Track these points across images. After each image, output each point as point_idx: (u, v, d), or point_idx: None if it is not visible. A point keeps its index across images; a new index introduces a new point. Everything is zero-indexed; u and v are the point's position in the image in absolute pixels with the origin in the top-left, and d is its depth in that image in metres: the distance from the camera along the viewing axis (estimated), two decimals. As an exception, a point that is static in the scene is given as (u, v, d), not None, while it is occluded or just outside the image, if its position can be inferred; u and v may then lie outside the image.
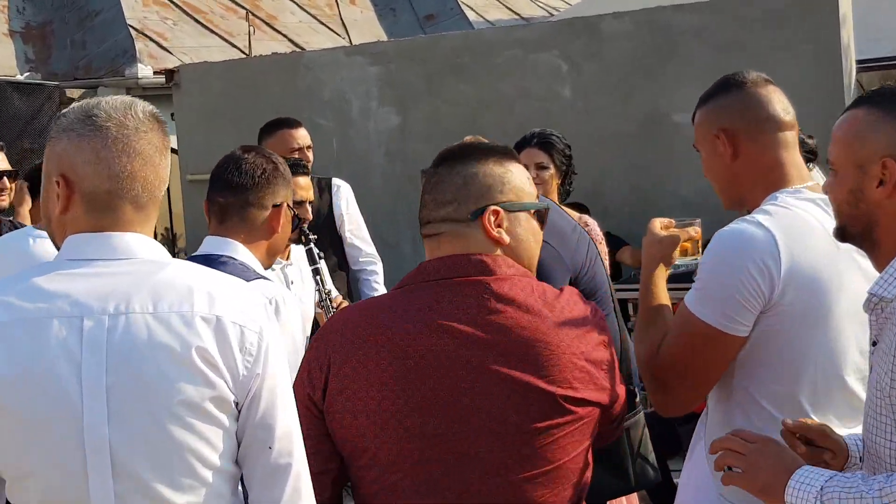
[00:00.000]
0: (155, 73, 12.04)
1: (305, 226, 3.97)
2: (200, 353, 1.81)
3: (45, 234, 3.90)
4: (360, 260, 5.42)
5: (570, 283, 3.39)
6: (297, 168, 3.94)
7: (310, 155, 5.30)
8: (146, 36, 12.81)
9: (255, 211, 2.96)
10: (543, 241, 2.46)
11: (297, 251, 4.10)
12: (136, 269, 1.86)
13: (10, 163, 5.20)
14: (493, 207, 2.15)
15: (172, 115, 9.91)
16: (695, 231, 2.65)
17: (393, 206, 7.75)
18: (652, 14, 7.16)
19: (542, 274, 3.13)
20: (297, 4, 15.54)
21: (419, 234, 2.25)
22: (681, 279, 6.18)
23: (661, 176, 7.14)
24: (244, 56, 12.54)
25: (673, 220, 2.64)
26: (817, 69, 6.68)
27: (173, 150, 9.14)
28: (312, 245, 4.09)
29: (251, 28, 11.48)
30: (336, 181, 5.46)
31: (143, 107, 1.93)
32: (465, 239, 2.14)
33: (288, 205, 3.03)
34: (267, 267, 3.10)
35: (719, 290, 2.28)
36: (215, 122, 8.36)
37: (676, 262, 2.61)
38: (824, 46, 6.69)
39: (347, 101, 7.92)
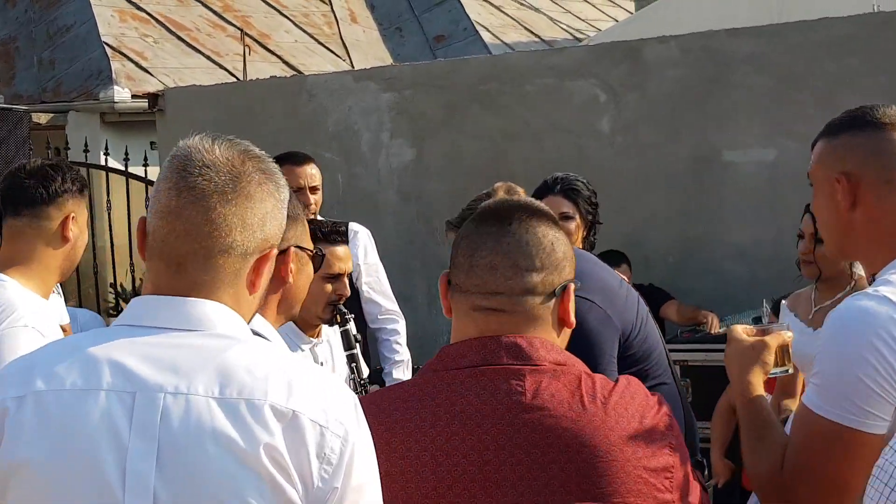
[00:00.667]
0: (133, 96, 12.11)
1: (342, 302, 3.87)
2: (269, 453, 1.71)
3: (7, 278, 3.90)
4: (380, 317, 5.42)
5: (621, 346, 3.37)
6: (334, 236, 3.86)
7: (316, 197, 5.31)
8: (123, 55, 12.91)
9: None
10: (586, 299, 2.45)
11: (330, 330, 4.05)
12: (206, 343, 1.80)
13: None
14: (571, 283, 2.12)
15: (153, 143, 9.97)
16: (788, 336, 2.55)
17: (406, 252, 7.75)
18: (703, 39, 7.17)
19: (589, 341, 3.11)
20: (293, 22, 15.66)
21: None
22: (708, 340, 6.21)
23: (711, 222, 7.13)
24: (236, 79, 12.60)
25: (753, 327, 2.56)
26: (887, 101, 6.65)
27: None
28: (350, 326, 4.03)
29: (245, 48, 11.51)
30: (353, 226, 5.46)
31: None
32: (539, 319, 2.10)
33: (299, 246, 2.83)
34: (288, 319, 3.00)
35: (843, 379, 2.15)
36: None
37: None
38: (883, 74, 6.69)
39: (356, 133, 7.93)
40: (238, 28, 14.90)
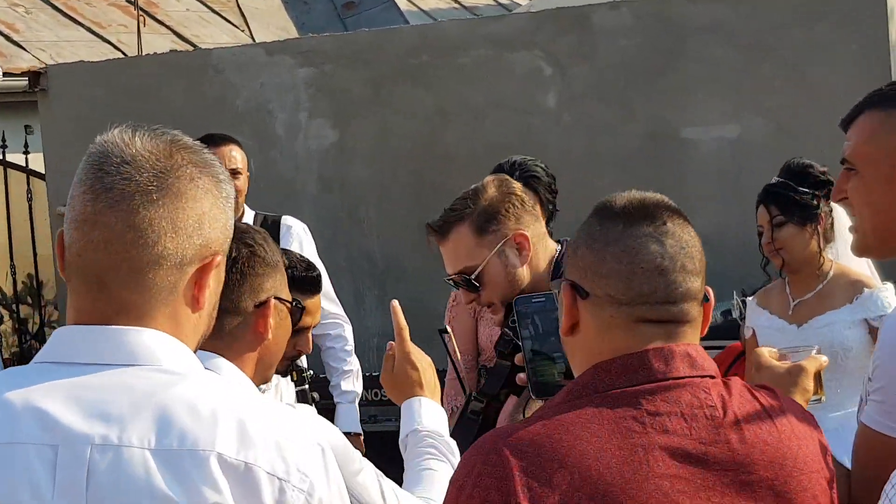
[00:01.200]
0: (5, 74, 11.78)
1: (302, 359, 3.70)
2: None
3: None
4: (322, 322, 5.29)
5: None
6: (307, 286, 3.41)
7: (239, 183, 5.19)
8: (-9, 25, 12.56)
9: (230, 318, 2.56)
10: None
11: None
12: (141, 381, 1.64)
13: None
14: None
15: (27, 127, 9.69)
16: (824, 360, 2.44)
17: (329, 247, 7.59)
18: (658, 5, 7.13)
19: None
20: (182, -11, 15.38)
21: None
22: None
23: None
24: (123, 55, 12.33)
25: (775, 350, 2.48)
26: (860, 71, 6.67)
27: (39, 175, 8.95)
28: (307, 386, 3.86)
29: (141, 18, 11.26)
30: (287, 220, 5.35)
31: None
32: (696, 326, 1.98)
33: (278, 298, 2.65)
34: (262, 383, 2.80)
35: None
36: (94, 137, 8.14)
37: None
38: (869, 44, 6.70)
39: (269, 113, 7.77)
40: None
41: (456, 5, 17.09)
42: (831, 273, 4.55)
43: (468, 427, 3.29)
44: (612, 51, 7.16)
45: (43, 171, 8.72)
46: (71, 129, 8.22)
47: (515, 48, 7.35)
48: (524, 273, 3.23)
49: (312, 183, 7.81)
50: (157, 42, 13.45)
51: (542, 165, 4.77)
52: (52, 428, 1.60)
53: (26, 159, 8.94)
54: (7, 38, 12.47)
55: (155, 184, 1.67)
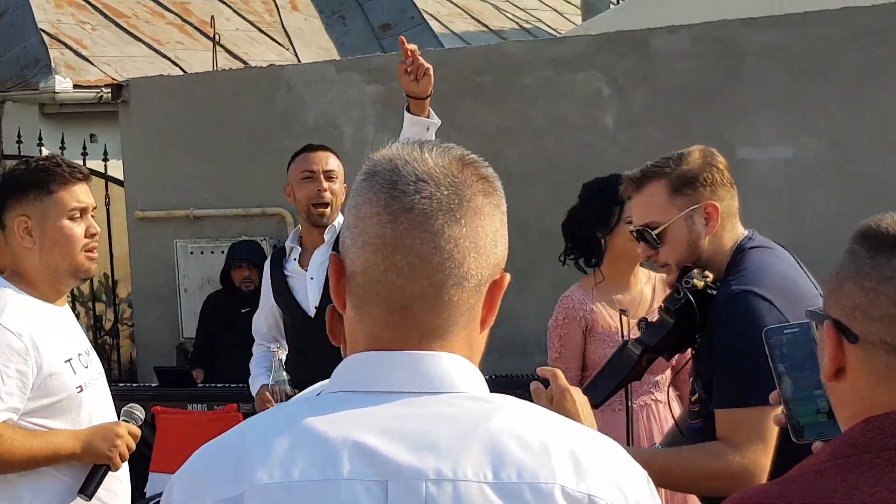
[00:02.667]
0: (75, 86, 11.41)
1: None
2: None
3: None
4: None
5: None
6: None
7: (335, 187, 4.76)
8: (62, 42, 12.17)
9: None
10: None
11: None
12: (458, 410, 1.41)
13: None
14: None
15: (92, 135, 9.32)
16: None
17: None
18: (715, 29, 6.78)
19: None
20: (233, 9, 15.06)
21: None
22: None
23: (724, 223, 6.73)
24: (182, 70, 11.98)
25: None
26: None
27: (117, 181, 8.59)
28: None
29: (216, 35, 10.90)
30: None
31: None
32: None
33: None
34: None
35: None
36: (172, 148, 7.80)
37: None
38: (924, 73, 6.35)
39: (338, 128, 7.41)
40: (177, 15, 14.28)
41: (484, 29, 16.79)
42: None
43: (623, 364, 3.07)
44: (669, 73, 6.82)
45: (120, 178, 8.38)
46: (148, 140, 7.90)
47: (575, 70, 7.02)
48: (706, 244, 2.97)
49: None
50: (208, 57, 13.10)
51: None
52: (378, 462, 1.36)
53: (105, 166, 8.53)
54: (76, 53, 12.10)
55: (455, 201, 1.44)
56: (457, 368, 1.44)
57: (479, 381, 1.46)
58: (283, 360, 4.59)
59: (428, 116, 4.25)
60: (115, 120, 10.80)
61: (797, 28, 6.58)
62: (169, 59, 12.85)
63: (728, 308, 2.85)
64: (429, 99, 4.24)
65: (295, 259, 4.78)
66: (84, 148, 8.25)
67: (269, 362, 4.79)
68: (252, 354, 5.85)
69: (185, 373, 6.79)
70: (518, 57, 7.22)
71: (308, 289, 4.67)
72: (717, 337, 2.85)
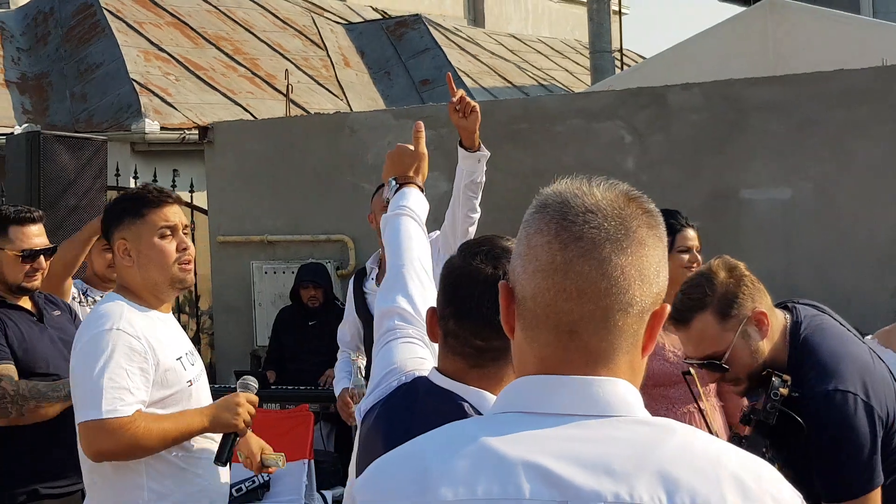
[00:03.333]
0: (162, 128, 11.50)
1: None
2: None
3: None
4: None
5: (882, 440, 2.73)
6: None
7: None
8: (150, 91, 12.27)
9: None
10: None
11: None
12: (630, 435, 1.31)
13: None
14: None
15: (175, 171, 9.36)
16: None
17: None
18: (723, 87, 6.79)
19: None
20: (295, 65, 15.13)
21: None
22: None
23: (728, 254, 6.69)
24: (253, 117, 12.04)
25: None
26: (893, 147, 6.33)
27: (201, 210, 8.63)
28: None
29: (289, 86, 10.95)
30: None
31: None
32: None
33: None
34: None
35: None
36: (250, 182, 7.84)
37: None
38: (904, 127, 6.34)
39: (395, 166, 7.41)
40: (248, 69, 14.36)
41: (509, 85, 16.82)
42: None
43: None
44: (683, 124, 6.83)
45: (203, 206, 8.42)
46: (229, 174, 7.93)
47: (601, 119, 7.02)
48: (765, 346, 2.79)
49: (429, 223, 7.37)
50: (277, 106, 13.17)
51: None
52: (557, 485, 1.26)
53: (191, 197, 8.57)
54: (162, 99, 12.19)
55: (622, 232, 1.35)
56: (623, 393, 1.35)
57: (642, 406, 1.37)
58: (363, 367, 4.60)
59: (479, 149, 4.28)
60: (195, 157, 10.88)
61: (793, 86, 6.58)
62: (241, 105, 12.93)
63: (822, 411, 2.67)
64: (477, 133, 4.25)
65: (373, 279, 4.80)
66: (173, 180, 8.30)
67: (349, 368, 4.82)
68: (320, 361, 5.85)
69: (261, 375, 6.81)
70: (552, 108, 7.25)
71: None
72: (816, 437, 2.68)
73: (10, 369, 3.75)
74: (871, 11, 14.78)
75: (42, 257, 4.02)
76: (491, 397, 1.98)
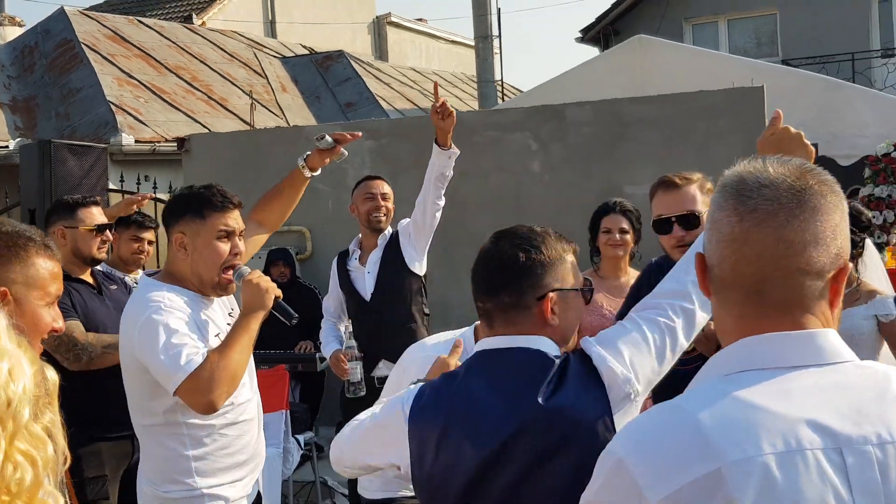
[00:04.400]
0: (136, 141, 11.04)
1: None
2: None
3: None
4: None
5: None
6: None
7: (388, 205, 4.63)
8: (124, 110, 11.79)
9: None
10: None
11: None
12: (859, 379, 1.18)
13: None
14: None
15: (146, 176, 8.99)
16: None
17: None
18: (609, 105, 6.78)
19: None
20: (242, 90, 14.71)
21: None
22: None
23: (615, 238, 6.70)
24: (210, 130, 11.64)
25: None
26: (745, 153, 6.38)
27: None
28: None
29: (252, 104, 10.62)
30: (400, 224, 4.75)
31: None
32: None
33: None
34: None
35: None
36: (222, 184, 7.49)
37: None
38: (752, 136, 6.39)
39: (343, 170, 7.20)
40: (203, 93, 13.91)
41: (415, 107, 16.67)
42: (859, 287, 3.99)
43: None
44: (578, 134, 6.79)
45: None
46: (204, 177, 7.58)
47: (512, 131, 6.94)
48: None
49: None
50: (230, 124, 12.80)
51: (630, 204, 4.33)
52: (829, 434, 1.13)
53: (168, 196, 8.19)
54: (135, 118, 11.74)
55: (794, 201, 1.24)
56: (836, 341, 1.23)
57: (850, 350, 1.24)
58: (350, 329, 4.42)
59: (451, 148, 4.18)
60: (164, 165, 10.47)
61: (664, 104, 6.60)
62: (200, 123, 12.52)
63: None
64: (451, 134, 4.15)
65: (356, 259, 4.63)
66: (154, 184, 7.92)
67: (337, 333, 4.63)
68: (289, 328, 5.59)
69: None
70: (472, 122, 7.11)
71: (365, 281, 4.53)
72: None
73: (78, 324, 3.51)
74: (728, 47, 15.02)
75: (108, 231, 3.92)
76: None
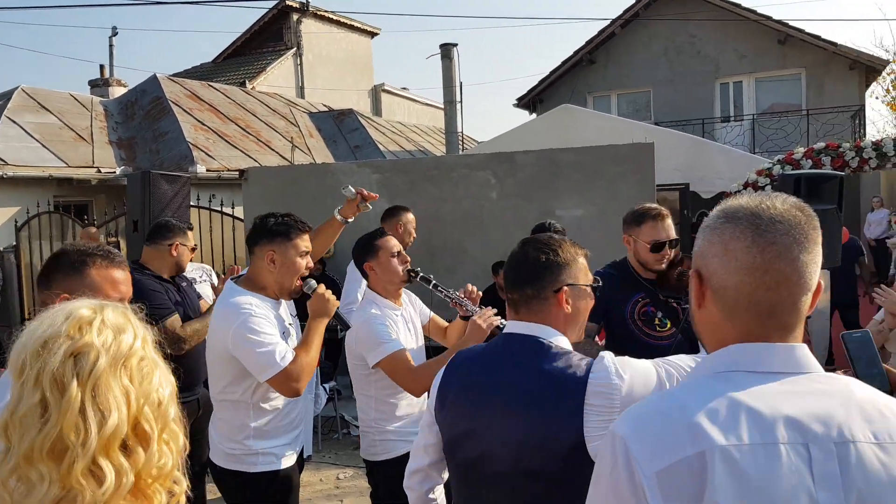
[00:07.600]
0: (207, 170, 10.68)
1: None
2: None
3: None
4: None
5: None
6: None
7: (413, 229, 4.43)
8: (199, 148, 11.41)
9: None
10: None
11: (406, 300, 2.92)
12: (826, 386, 1.02)
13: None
14: None
15: (213, 196, 8.68)
16: None
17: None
18: (547, 153, 6.63)
19: None
20: (281, 135, 14.36)
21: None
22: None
23: (549, 246, 6.54)
24: (260, 165, 11.29)
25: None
26: (640, 189, 6.28)
27: (239, 219, 7.97)
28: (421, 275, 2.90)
29: (293, 147, 10.28)
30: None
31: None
32: None
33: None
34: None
35: None
36: (271, 205, 7.19)
37: None
38: (645, 177, 6.30)
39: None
40: (254, 136, 13.55)
41: (403, 149, 16.42)
42: None
43: None
44: (525, 172, 6.62)
45: (241, 217, 7.77)
46: (259, 202, 7.33)
47: (477, 169, 6.75)
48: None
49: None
50: (274, 159, 12.46)
51: (558, 224, 4.09)
52: (800, 430, 0.97)
53: (233, 210, 7.90)
54: (206, 153, 11.34)
55: (803, 235, 1.06)
56: (809, 355, 1.07)
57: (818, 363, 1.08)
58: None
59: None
60: (226, 188, 10.13)
61: (586, 153, 6.45)
62: (252, 158, 12.17)
63: None
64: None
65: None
66: (221, 203, 7.59)
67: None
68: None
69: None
70: (450, 162, 6.94)
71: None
72: None
73: (177, 318, 3.26)
74: (617, 112, 14.96)
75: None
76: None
